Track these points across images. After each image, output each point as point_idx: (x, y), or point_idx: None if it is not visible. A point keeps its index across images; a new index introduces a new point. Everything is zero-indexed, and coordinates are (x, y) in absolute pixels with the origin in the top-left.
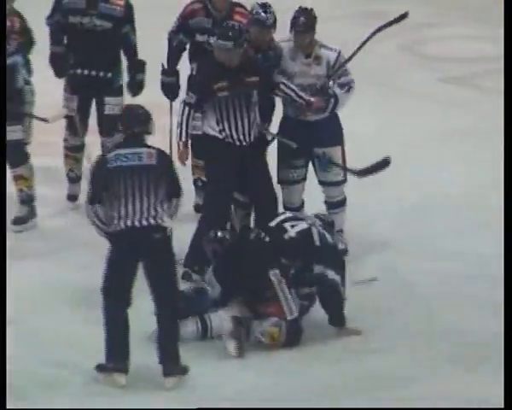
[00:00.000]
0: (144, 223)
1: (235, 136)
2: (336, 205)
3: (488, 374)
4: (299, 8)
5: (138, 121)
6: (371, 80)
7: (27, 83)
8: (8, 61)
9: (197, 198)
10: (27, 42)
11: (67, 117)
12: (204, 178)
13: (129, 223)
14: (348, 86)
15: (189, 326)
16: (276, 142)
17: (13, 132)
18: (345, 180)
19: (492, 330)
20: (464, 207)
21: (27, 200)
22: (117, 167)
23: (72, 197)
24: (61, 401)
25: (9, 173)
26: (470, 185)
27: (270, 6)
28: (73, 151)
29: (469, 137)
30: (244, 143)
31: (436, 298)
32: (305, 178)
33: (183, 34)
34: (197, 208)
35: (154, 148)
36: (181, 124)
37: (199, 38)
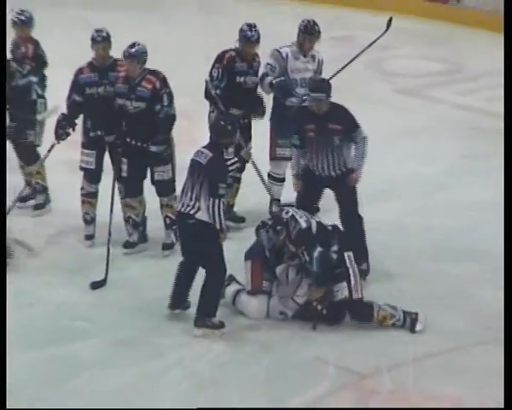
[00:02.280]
0: (184, 210)
1: (319, 169)
2: None
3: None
4: (306, 19)
5: (224, 135)
6: (342, 91)
7: (40, 97)
8: (24, 81)
9: (131, 236)
10: (40, 65)
11: (84, 169)
12: (135, 217)
13: (179, 207)
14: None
15: (252, 305)
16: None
17: (28, 136)
18: None
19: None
20: (422, 191)
21: (43, 190)
22: (191, 160)
23: (89, 237)
24: (89, 351)
25: (25, 170)
26: (423, 174)
27: (255, 25)
28: (89, 197)
29: (419, 135)
30: (326, 175)
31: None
32: (290, 158)
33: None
34: (126, 245)
35: (215, 152)
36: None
37: (119, 101)
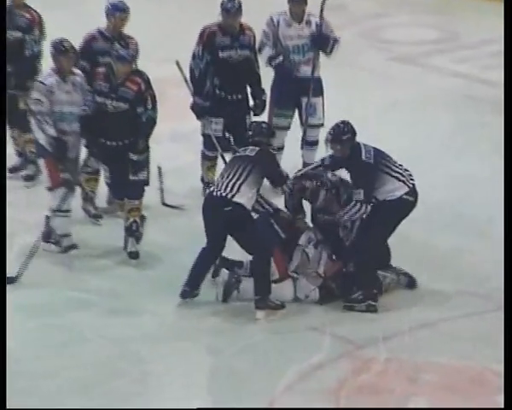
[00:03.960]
0: (220, 194)
1: None
2: (312, 143)
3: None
4: None
5: (259, 133)
6: (336, 62)
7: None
8: (38, 47)
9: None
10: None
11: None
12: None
13: (214, 192)
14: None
15: (285, 289)
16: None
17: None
18: (322, 124)
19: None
20: (419, 163)
21: (34, 160)
22: (235, 155)
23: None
24: (89, 319)
25: (19, 139)
26: (419, 146)
27: None
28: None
29: (415, 105)
30: None
31: None
32: (289, 127)
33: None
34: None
35: (261, 148)
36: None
37: (98, 99)
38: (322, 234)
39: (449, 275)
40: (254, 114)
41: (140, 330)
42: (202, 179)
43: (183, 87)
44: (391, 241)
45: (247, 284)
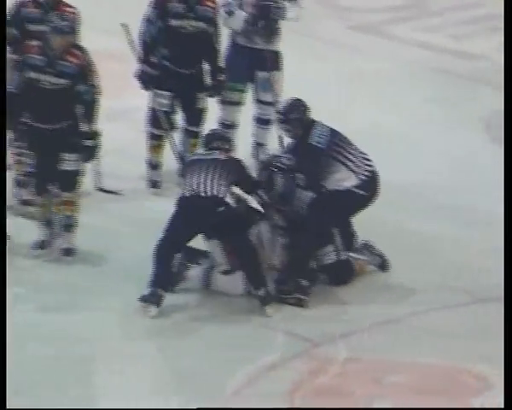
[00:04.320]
0: (208, 195)
1: None
2: (267, 122)
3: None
4: None
5: (217, 139)
6: (290, 29)
7: None
8: None
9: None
10: None
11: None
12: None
13: (198, 193)
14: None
15: (237, 281)
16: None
17: None
18: (277, 101)
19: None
20: (383, 144)
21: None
22: (193, 160)
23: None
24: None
25: None
26: (383, 124)
27: None
28: None
29: (377, 79)
30: None
31: None
32: (242, 102)
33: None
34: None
35: (227, 153)
36: None
37: (32, 74)
38: (284, 222)
39: (422, 265)
40: (208, 95)
41: (81, 328)
42: (150, 162)
43: (119, 60)
44: (364, 225)
45: (195, 272)
